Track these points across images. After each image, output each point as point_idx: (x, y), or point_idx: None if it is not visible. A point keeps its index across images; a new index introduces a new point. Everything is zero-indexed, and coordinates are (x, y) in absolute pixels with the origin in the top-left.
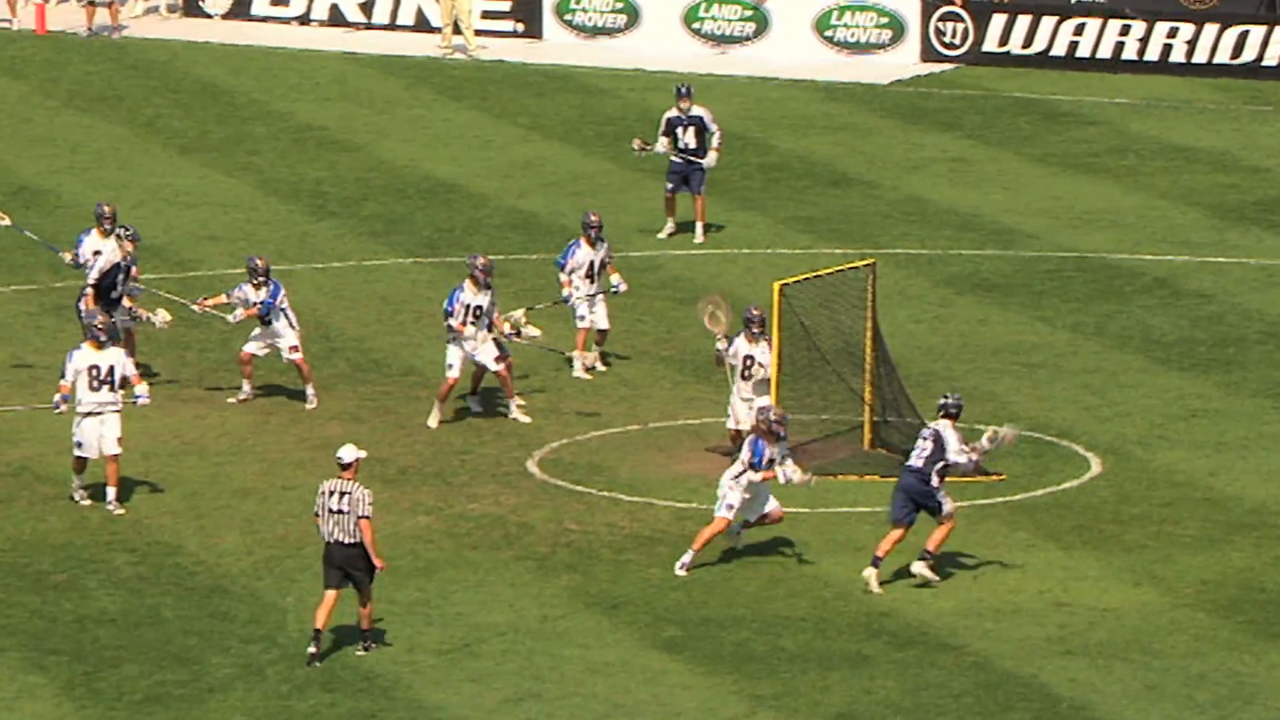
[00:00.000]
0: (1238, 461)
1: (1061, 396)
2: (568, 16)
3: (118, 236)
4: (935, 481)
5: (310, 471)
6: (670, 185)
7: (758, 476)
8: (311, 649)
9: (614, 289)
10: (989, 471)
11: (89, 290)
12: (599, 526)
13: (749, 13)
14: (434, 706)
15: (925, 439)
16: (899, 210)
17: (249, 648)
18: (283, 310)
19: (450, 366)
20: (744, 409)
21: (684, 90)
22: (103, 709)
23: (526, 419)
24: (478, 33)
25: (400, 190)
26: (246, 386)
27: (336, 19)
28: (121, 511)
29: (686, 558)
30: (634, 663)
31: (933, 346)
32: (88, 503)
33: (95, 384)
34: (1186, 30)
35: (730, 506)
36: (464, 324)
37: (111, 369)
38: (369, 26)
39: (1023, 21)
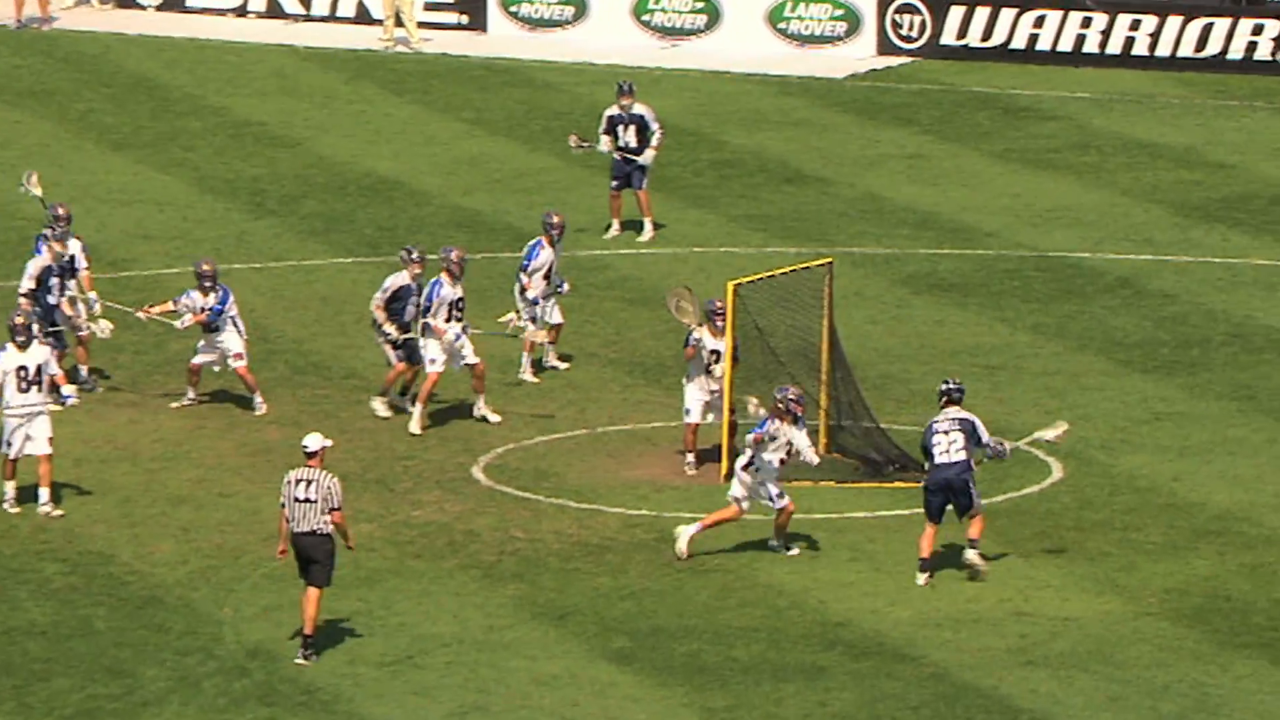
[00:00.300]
0: (1202, 466)
1: (1022, 399)
2: (513, 9)
3: (45, 237)
4: (972, 467)
5: (248, 478)
6: (615, 184)
7: (749, 437)
8: (300, 656)
9: (559, 288)
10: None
11: (21, 300)
12: (546, 534)
13: (700, 4)
14: None
15: (950, 430)
16: (855, 208)
17: (185, 660)
18: (231, 318)
19: (433, 361)
20: (702, 404)
21: (625, 87)
22: None
23: (497, 417)
24: (420, 25)
25: (340, 188)
26: (191, 393)
27: (274, 11)
28: (60, 513)
29: (693, 529)
30: (582, 675)
31: (890, 348)
32: (17, 510)
33: (24, 385)
34: (1149, 23)
35: (737, 499)
36: (447, 321)
37: (39, 369)
38: (308, 18)
39: (981, 14)
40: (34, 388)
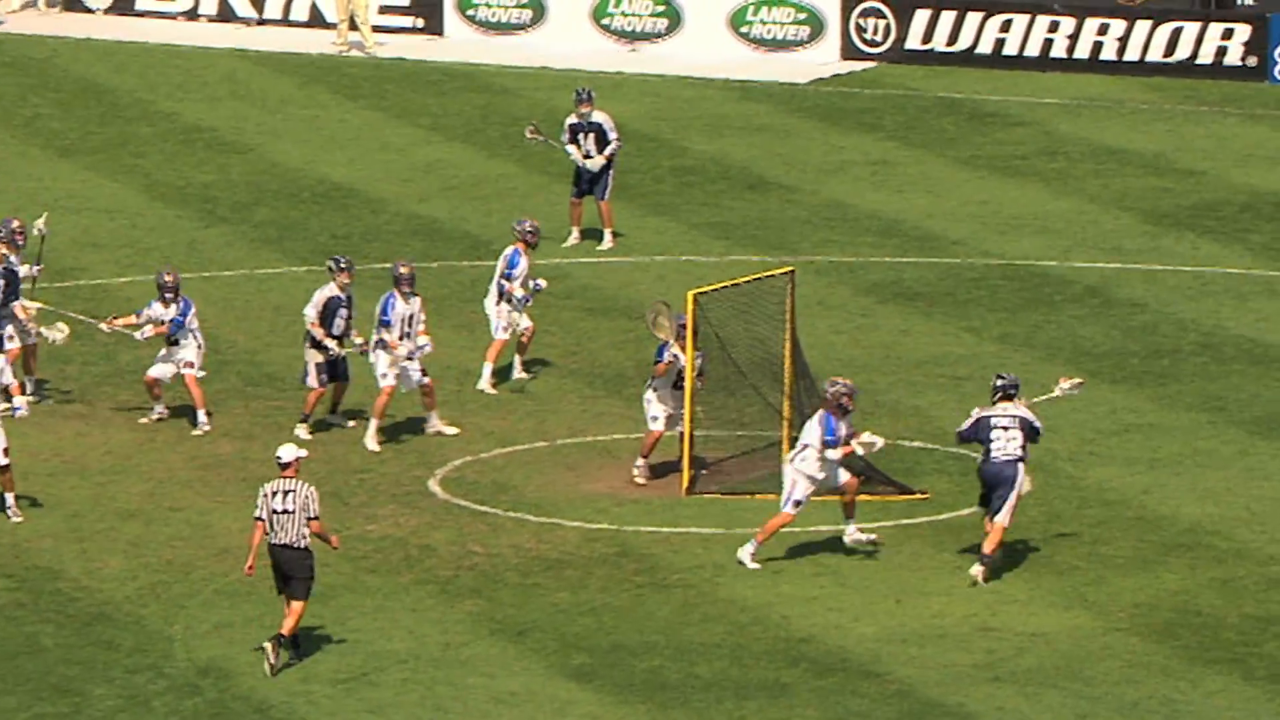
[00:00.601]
0: (1172, 479)
1: None
2: (470, 12)
3: None
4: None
5: (199, 492)
6: (575, 192)
7: (837, 454)
8: (285, 658)
9: (536, 289)
10: (913, 490)
11: None
12: (504, 548)
13: (660, 8)
14: None
15: (1011, 427)
16: (818, 215)
17: (134, 678)
18: (192, 331)
19: (384, 376)
20: (666, 415)
21: (583, 95)
22: None
23: (453, 430)
24: (375, 29)
25: (294, 195)
26: (159, 407)
27: (226, 14)
28: (19, 519)
29: (751, 548)
30: (541, 692)
31: (854, 358)
32: None
33: None
34: (1118, 27)
35: (798, 502)
36: (400, 338)
37: None
38: (260, 22)
39: (947, 18)
40: None
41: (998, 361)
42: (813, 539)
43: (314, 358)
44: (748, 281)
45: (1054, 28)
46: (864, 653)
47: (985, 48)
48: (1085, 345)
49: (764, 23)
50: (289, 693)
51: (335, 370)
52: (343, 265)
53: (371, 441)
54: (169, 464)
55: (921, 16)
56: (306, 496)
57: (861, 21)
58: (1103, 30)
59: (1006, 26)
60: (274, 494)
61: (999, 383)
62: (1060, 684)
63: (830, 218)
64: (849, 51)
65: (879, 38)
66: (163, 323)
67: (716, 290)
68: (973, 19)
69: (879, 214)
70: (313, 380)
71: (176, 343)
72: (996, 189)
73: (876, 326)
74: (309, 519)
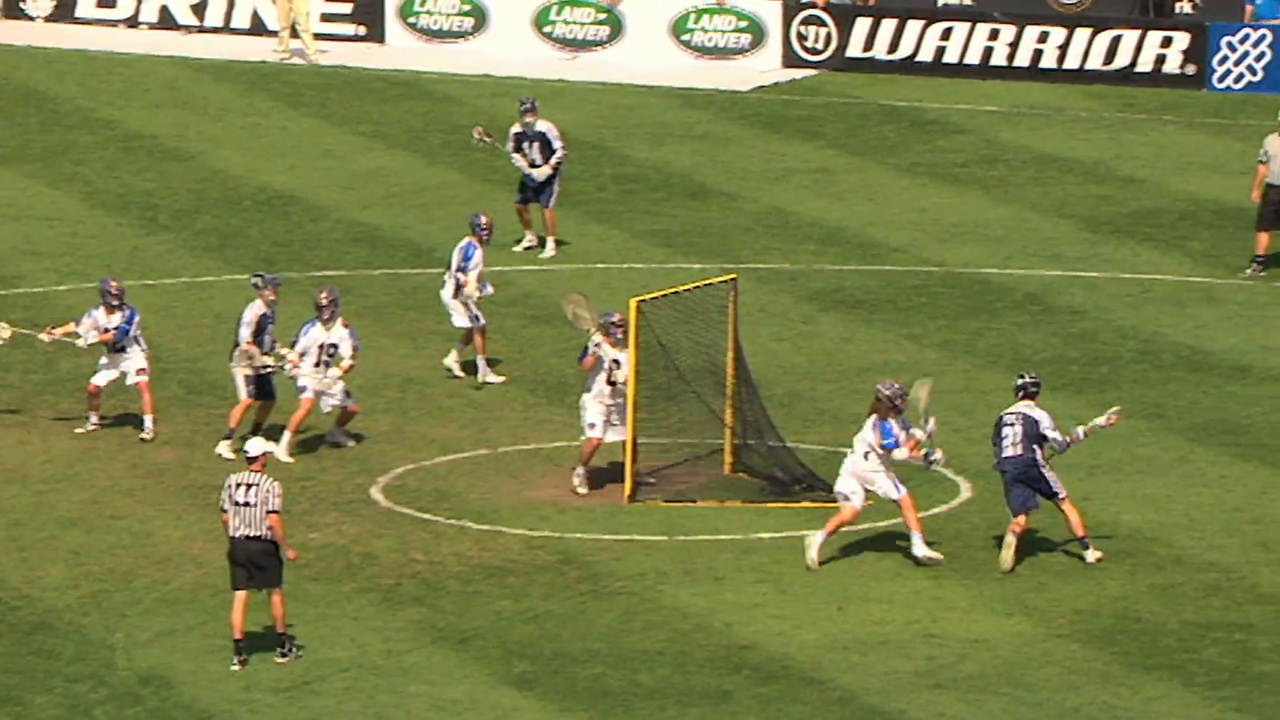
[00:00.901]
0: (1112, 485)
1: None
2: (411, 19)
3: None
4: (1041, 461)
5: (140, 500)
6: (520, 199)
7: (903, 454)
8: (235, 665)
9: (483, 291)
10: None
11: None
12: (446, 556)
13: (602, 15)
14: None
15: (1014, 424)
16: (760, 223)
17: (75, 687)
18: (136, 338)
19: (304, 389)
20: (604, 419)
21: (527, 104)
22: None
23: (352, 442)
24: (317, 36)
25: (235, 202)
26: (94, 418)
27: (167, 22)
28: None
29: (819, 540)
30: (484, 700)
31: (796, 365)
32: None
33: None
34: (1057, 35)
35: (855, 495)
36: (315, 365)
37: None
38: (201, 29)
39: (888, 26)
40: None
41: (939, 368)
42: (755, 546)
43: (242, 371)
44: (690, 289)
45: (994, 36)
46: (806, 660)
47: (926, 56)
48: (1025, 352)
49: (705, 31)
50: (231, 701)
51: (263, 388)
52: (270, 281)
53: (284, 454)
54: (110, 472)
55: (862, 25)
56: (268, 490)
57: (803, 30)
58: (1042, 38)
59: (947, 35)
60: (237, 486)
61: (1017, 382)
62: (1001, 690)
63: (772, 225)
64: (790, 60)
65: (820, 46)
66: (107, 330)
67: (659, 298)
68: (913, 27)
69: (820, 222)
70: (241, 393)
71: (122, 350)
72: (937, 197)
73: (818, 334)
74: (269, 511)
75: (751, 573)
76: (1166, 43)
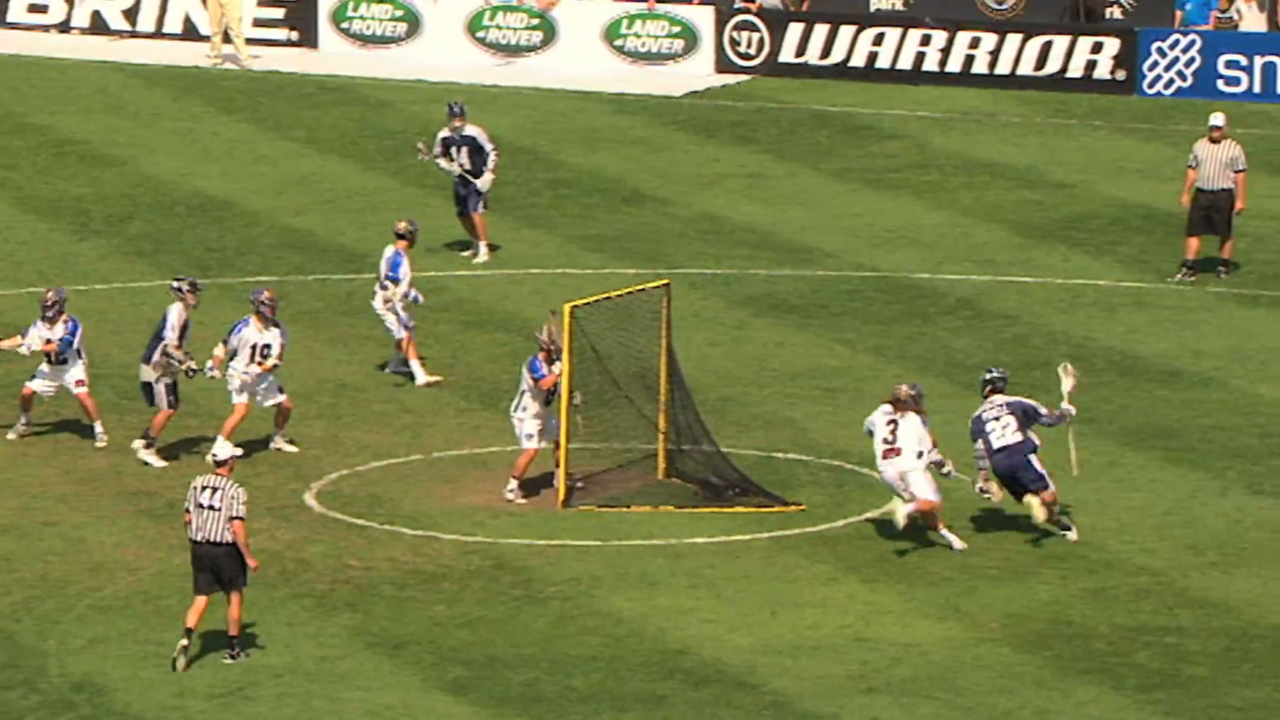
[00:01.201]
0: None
1: (862, 423)
2: (345, 25)
3: None
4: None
5: (73, 506)
6: (459, 209)
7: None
8: (178, 652)
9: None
10: (787, 502)
11: None
12: (380, 562)
13: (535, 21)
14: None
15: (1001, 415)
16: (693, 228)
17: (6, 694)
18: (78, 350)
19: (239, 393)
20: (539, 428)
21: (456, 109)
22: None
23: (293, 448)
24: (249, 41)
25: (168, 208)
26: (24, 419)
27: (99, 27)
28: None
29: (909, 507)
30: (417, 705)
31: (729, 370)
32: None
33: None
34: (989, 40)
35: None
36: (249, 363)
37: None
38: (133, 34)
39: (820, 31)
40: None
41: (872, 373)
42: (689, 551)
43: (163, 379)
44: (623, 294)
45: (926, 41)
46: (739, 664)
47: (858, 61)
48: (958, 357)
49: (638, 36)
50: (164, 707)
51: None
52: (193, 286)
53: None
54: (42, 478)
55: (795, 30)
56: (233, 496)
57: (735, 35)
58: (974, 44)
59: (879, 40)
60: (202, 489)
61: (985, 377)
62: (934, 694)
63: (705, 230)
64: (723, 65)
65: (753, 51)
66: (50, 341)
67: (592, 303)
68: (845, 33)
69: (753, 227)
70: (161, 401)
71: (64, 361)
72: (870, 202)
73: (751, 339)
74: (231, 517)
75: (685, 577)
76: (1097, 48)
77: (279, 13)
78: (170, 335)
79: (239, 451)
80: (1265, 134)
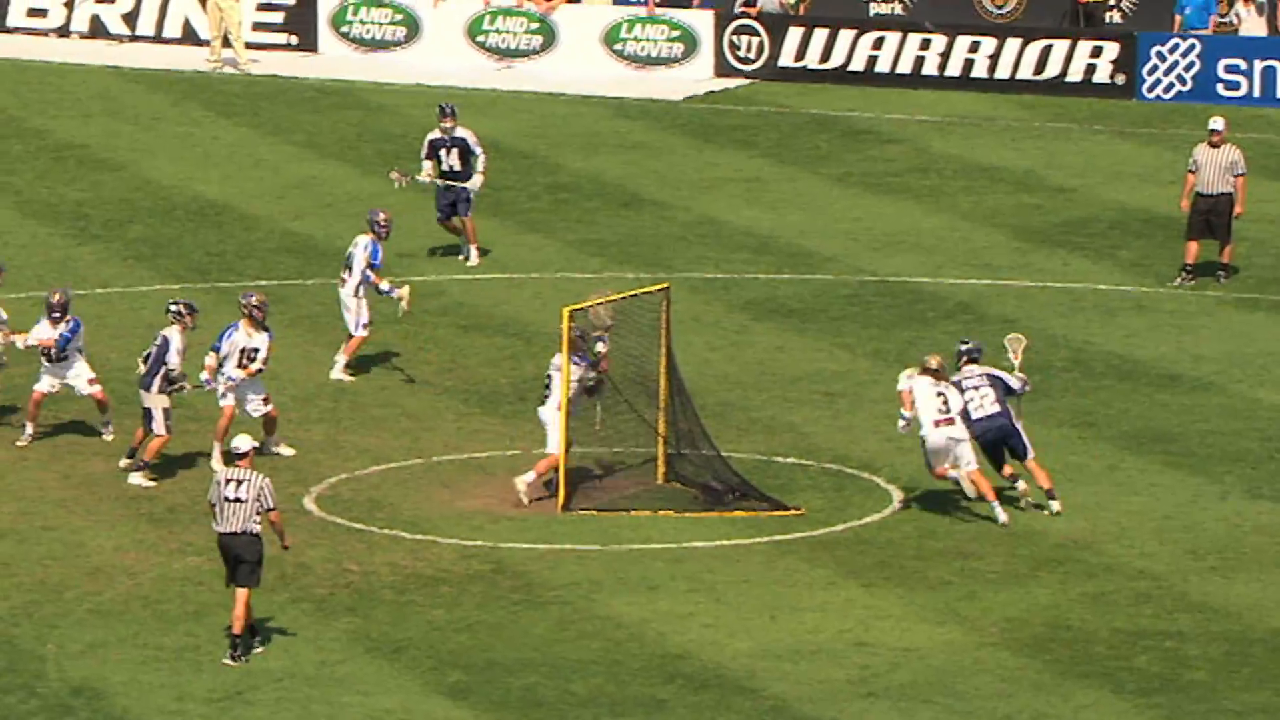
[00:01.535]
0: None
1: (863, 427)
2: (344, 29)
3: None
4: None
5: (71, 510)
6: (441, 216)
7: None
8: (228, 657)
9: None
10: (787, 506)
11: None
12: (380, 566)
13: (535, 25)
14: None
15: (981, 386)
16: (693, 232)
17: (5, 698)
18: (78, 348)
19: (224, 396)
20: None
21: (447, 110)
22: None
23: (289, 450)
24: (249, 45)
25: (167, 212)
26: (30, 428)
27: (98, 30)
28: None
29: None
30: (417, 710)
31: (729, 375)
32: None
33: None
34: (988, 45)
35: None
36: (238, 366)
37: None
38: (133, 38)
39: (819, 35)
40: None
41: (871, 378)
42: (689, 555)
43: (162, 402)
44: (623, 298)
45: (926, 45)
46: (739, 669)
47: (858, 65)
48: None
49: (638, 40)
50: (164, 712)
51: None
52: (191, 309)
53: (218, 462)
54: (41, 483)
55: (794, 34)
56: (261, 488)
57: (735, 39)
58: (974, 48)
59: (879, 44)
60: (227, 482)
61: (960, 348)
62: (933, 699)
63: (704, 234)
64: (722, 69)
65: (752, 55)
66: (49, 338)
67: (592, 307)
68: (845, 37)
69: (753, 231)
70: (160, 427)
71: (65, 359)
72: (869, 206)
73: (751, 343)
74: (267, 509)
75: (685, 582)
76: (1096, 52)
77: (278, 17)
78: (175, 360)
79: (256, 443)
80: (1265, 138)
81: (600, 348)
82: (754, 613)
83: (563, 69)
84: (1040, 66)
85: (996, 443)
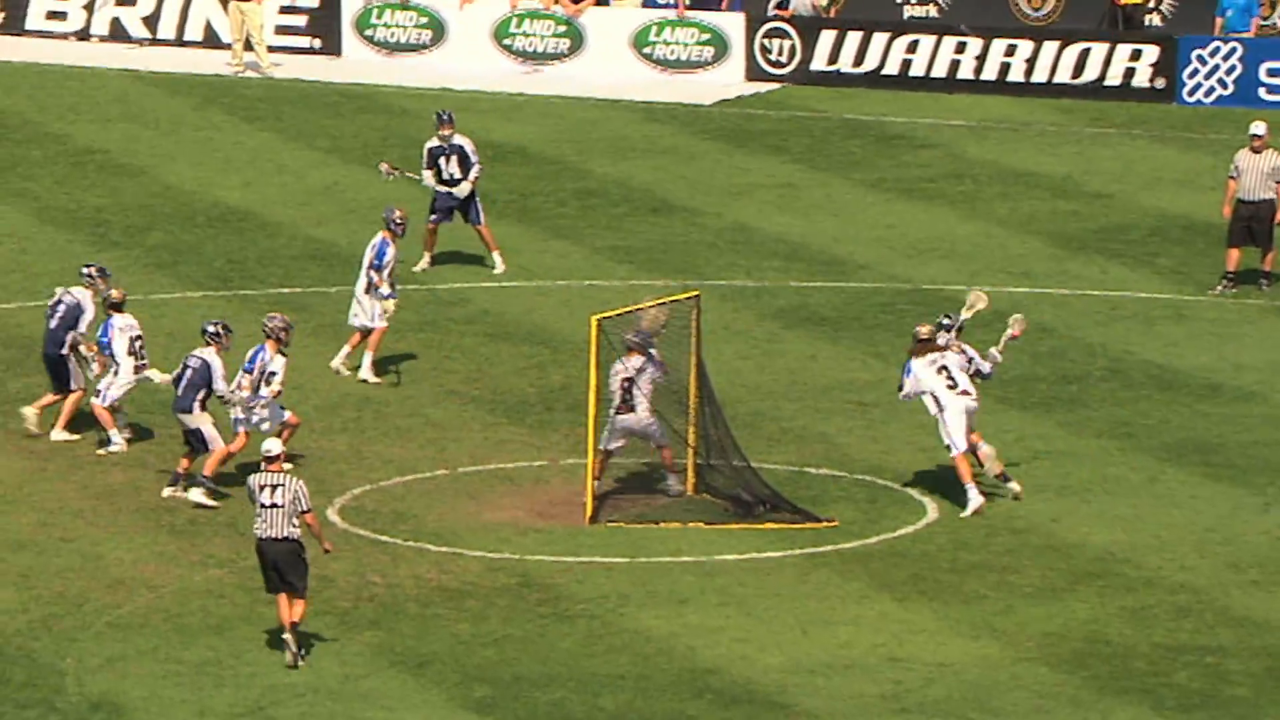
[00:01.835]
0: (1081, 506)
1: (896, 438)
2: (368, 32)
3: None
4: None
5: (90, 522)
6: (434, 218)
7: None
8: (289, 658)
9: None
10: (819, 518)
11: None
12: (404, 579)
13: (562, 28)
14: None
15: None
16: (724, 239)
17: (24, 713)
18: (110, 352)
19: (250, 421)
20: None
21: (444, 117)
22: None
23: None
24: (271, 49)
25: (188, 218)
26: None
27: (118, 34)
28: None
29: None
30: None
31: (760, 384)
32: None
33: None
34: (1025, 48)
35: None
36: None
37: None
38: (154, 42)
39: (853, 38)
40: None
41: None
42: (719, 568)
43: (208, 419)
44: (652, 306)
45: (961, 49)
46: (770, 684)
47: (891, 69)
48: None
49: (667, 43)
50: None
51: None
52: (227, 330)
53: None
54: (60, 494)
55: (827, 37)
56: (296, 491)
57: (766, 42)
58: (1010, 51)
59: (913, 48)
60: (261, 488)
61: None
62: (969, 715)
63: (735, 241)
64: (754, 73)
65: (784, 59)
66: (104, 353)
67: (620, 315)
68: (879, 40)
69: (784, 237)
70: (216, 442)
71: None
72: (903, 212)
73: (783, 352)
74: (302, 512)
75: (715, 595)
76: (1136, 56)
77: (301, 20)
78: (222, 386)
79: (283, 447)
80: None
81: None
82: (785, 627)
83: (591, 72)
84: (1078, 70)
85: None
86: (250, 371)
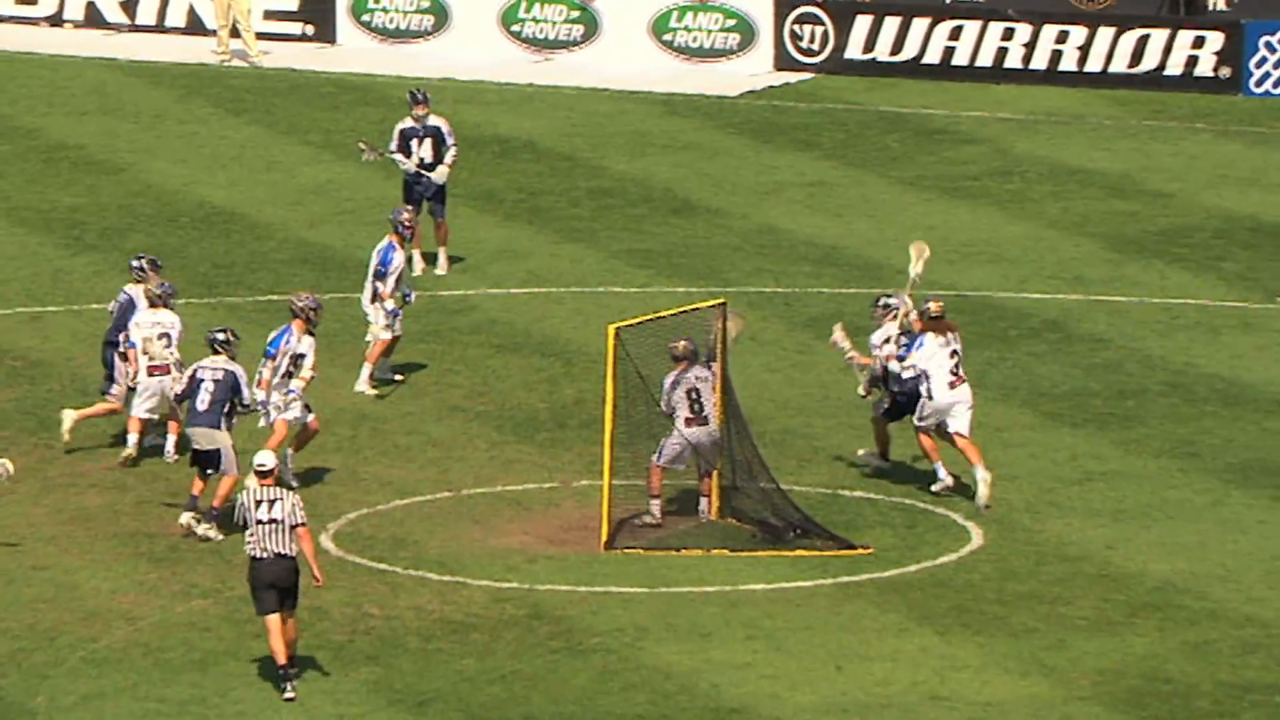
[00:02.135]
0: (1139, 532)
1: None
2: (365, 18)
3: None
4: None
5: (64, 549)
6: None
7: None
8: (288, 693)
9: (406, 298)
10: (854, 544)
11: None
12: (404, 610)
13: (576, 13)
14: None
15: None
16: (750, 242)
17: None
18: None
19: (281, 410)
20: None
21: (419, 96)
22: None
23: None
24: (260, 36)
25: (171, 219)
26: (172, 441)
27: (94, 19)
28: None
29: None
30: None
31: (790, 399)
32: None
33: None
34: (1078, 35)
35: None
36: (284, 376)
37: None
38: (133, 28)
39: (890, 24)
40: None
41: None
42: (745, 599)
43: (230, 440)
44: (673, 315)
45: (1008, 36)
46: None
47: (932, 58)
48: (1043, 385)
49: (689, 30)
50: None
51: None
52: (236, 335)
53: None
54: (31, 518)
55: (863, 23)
56: (293, 504)
57: (797, 29)
58: (1062, 39)
59: (956, 34)
60: (258, 504)
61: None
62: None
63: (763, 244)
64: (783, 61)
65: (816, 46)
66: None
67: (639, 324)
68: (919, 26)
69: (816, 240)
70: (233, 466)
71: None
72: (945, 213)
73: (814, 364)
74: (295, 525)
75: (741, 628)
76: (1199, 43)
77: (292, 4)
78: (247, 394)
79: (276, 460)
80: None
81: (713, 367)
82: (818, 662)
83: (606, 62)
84: (1136, 59)
85: (908, 407)
86: (273, 356)
